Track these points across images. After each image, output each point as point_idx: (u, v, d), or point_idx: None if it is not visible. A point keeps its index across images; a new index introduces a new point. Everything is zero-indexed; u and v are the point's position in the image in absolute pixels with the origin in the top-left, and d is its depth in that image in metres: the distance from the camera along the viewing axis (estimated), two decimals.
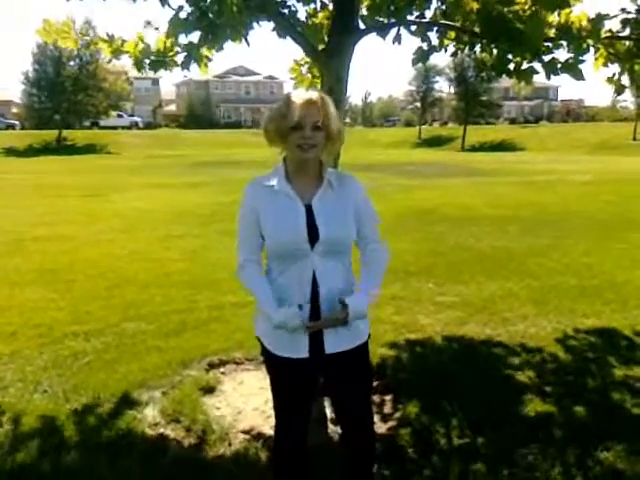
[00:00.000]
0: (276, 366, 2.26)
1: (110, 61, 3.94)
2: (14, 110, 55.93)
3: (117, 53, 3.81)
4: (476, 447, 3.09)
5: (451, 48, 4.17)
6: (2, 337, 4.81)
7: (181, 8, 3.40)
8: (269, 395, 3.68)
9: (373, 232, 2.25)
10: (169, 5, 3.33)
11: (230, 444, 3.17)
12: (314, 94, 2.08)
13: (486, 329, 4.95)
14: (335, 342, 2.17)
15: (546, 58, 3.63)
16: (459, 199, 13.68)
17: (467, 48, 4.04)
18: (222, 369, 4.17)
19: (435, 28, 4.06)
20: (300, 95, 2.08)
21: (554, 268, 7.08)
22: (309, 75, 4.51)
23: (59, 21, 3.74)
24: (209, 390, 3.82)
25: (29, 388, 3.88)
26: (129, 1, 3.51)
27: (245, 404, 3.64)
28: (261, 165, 22.61)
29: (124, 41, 3.78)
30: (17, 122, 50.92)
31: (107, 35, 3.76)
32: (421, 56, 4.04)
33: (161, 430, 3.31)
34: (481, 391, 3.73)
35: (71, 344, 4.66)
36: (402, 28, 3.94)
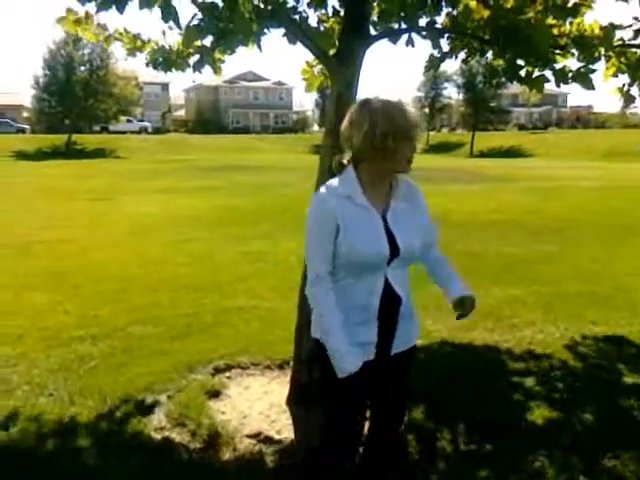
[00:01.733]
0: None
1: (126, 58, 3.94)
2: (25, 114, 56.33)
3: (133, 50, 3.82)
4: (483, 453, 3.07)
5: (462, 55, 4.17)
6: (10, 340, 4.83)
7: (195, 16, 3.42)
8: (274, 400, 3.73)
9: (435, 239, 2.32)
10: (177, 24, 3.33)
11: (235, 449, 3.16)
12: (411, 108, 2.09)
13: (493, 335, 4.92)
14: (400, 342, 2.22)
15: (557, 66, 3.63)
16: (467, 205, 13.65)
17: (478, 55, 4.03)
18: (228, 373, 4.17)
19: (446, 35, 4.07)
20: (411, 112, 2.04)
21: (562, 274, 7.04)
22: (321, 75, 4.50)
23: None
24: (215, 394, 3.81)
25: (35, 391, 3.89)
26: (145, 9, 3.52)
27: (250, 409, 3.63)
28: (269, 170, 22.65)
29: (143, 42, 3.79)
30: (27, 126, 51.30)
31: (125, 30, 3.77)
32: (433, 63, 4.05)
33: (167, 434, 3.31)
34: (488, 397, 3.71)
35: (78, 347, 4.67)
36: (414, 33, 3.95)
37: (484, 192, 16.65)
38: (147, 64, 3.85)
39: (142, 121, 57.79)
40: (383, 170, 2.08)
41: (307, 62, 4.67)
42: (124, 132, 50.69)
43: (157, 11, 3.15)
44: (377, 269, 2.09)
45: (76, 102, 43.81)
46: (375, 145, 1.98)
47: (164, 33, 3.74)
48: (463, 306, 2.22)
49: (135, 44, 3.79)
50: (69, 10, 3.78)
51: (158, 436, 3.29)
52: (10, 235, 9.68)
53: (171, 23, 3.23)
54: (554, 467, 2.94)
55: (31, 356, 4.49)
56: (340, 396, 2.21)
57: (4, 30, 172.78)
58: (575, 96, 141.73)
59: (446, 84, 58.27)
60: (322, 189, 2.11)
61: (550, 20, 3.76)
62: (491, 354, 4.54)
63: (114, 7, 3.00)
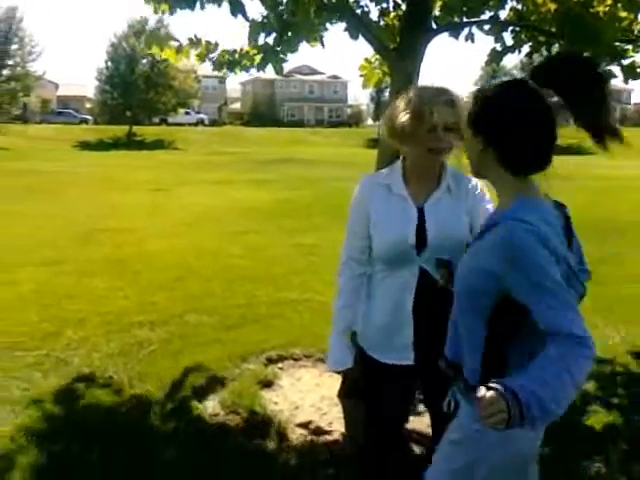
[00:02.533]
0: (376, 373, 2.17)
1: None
2: (88, 105, 58.24)
3: (204, 56, 3.92)
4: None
5: (525, 49, 4.08)
6: (72, 323, 5.02)
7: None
8: (325, 392, 3.75)
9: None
10: (244, 16, 3.38)
11: (287, 438, 3.21)
12: (447, 91, 1.98)
13: None
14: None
15: (625, 62, 3.51)
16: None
17: (543, 49, 3.93)
18: (280, 364, 4.22)
19: (510, 28, 3.99)
20: (433, 92, 1.97)
21: (622, 277, 6.81)
22: (379, 71, 4.49)
23: (160, 32, 3.87)
24: (267, 384, 3.87)
25: (96, 374, 4.03)
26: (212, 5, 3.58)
27: (302, 400, 3.67)
28: (322, 163, 22.63)
29: (209, 44, 3.87)
30: (90, 117, 52.96)
31: (195, 39, 3.85)
32: (495, 56, 3.97)
33: (221, 420, 3.38)
34: None
35: (137, 333, 4.81)
36: (475, 27, 3.89)
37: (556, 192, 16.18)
38: (214, 67, 3.93)
39: (199, 113, 58.78)
40: (418, 158, 2.04)
41: (366, 59, 4.66)
42: (182, 124, 51.67)
43: (225, 7, 3.21)
44: (407, 261, 2.00)
45: (137, 94, 44.96)
46: (392, 128, 2.01)
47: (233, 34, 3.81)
48: None
49: (206, 50, 3.87)
50: (152, 33, 3.91)
51: (213, 422, 3.37)
52: (73, 223, 10.04)
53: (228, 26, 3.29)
54: (610, 473, 2.86)
55: (92, 340, 4.66)
56: (372, 394, 2.21)
57: (71, 22, 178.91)
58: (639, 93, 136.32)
59: (504, 79, 57.00)
60: (366, 176, 2.17)
61: (620, 13, 3.64)
62: None
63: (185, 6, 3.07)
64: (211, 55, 3.94)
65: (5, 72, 38.37)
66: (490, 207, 2.04)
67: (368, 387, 2.22)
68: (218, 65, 3.93)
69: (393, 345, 2.07)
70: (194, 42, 3.90)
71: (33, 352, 4.38)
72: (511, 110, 1.50)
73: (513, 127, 1.50)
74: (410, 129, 1.95)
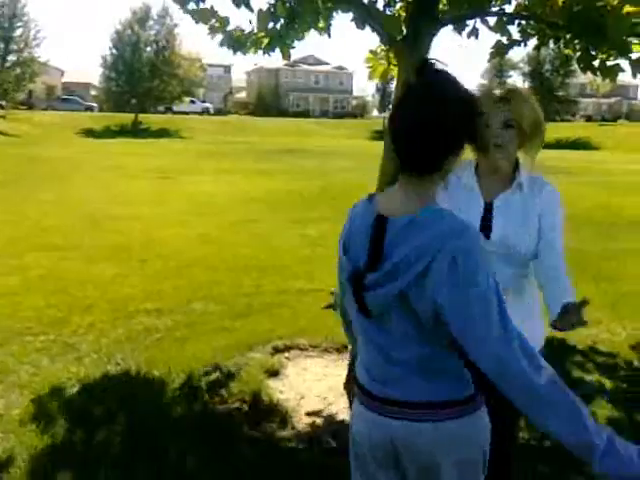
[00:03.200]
0: None
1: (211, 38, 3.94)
2: (93, 93, 58.14)
3: (215, 30, 3.88)
4: (543, 449, 3.04)
5: (532, 42, 4.07)
6: (79, 310, 5.06)
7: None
8: (331, 383, 3.78)
9: (552, 241, 1.98)
10: (247, 7, 3.39)
11: (293, 427, 3.24)
12: (510, 87, 1.98)
13: (556, 331, 4.82)
14: None
15: (634, 56, 3.50)
16: None
17: (551, 42, 3.92)
18: (286, 354, 4.26)
19: (516, 21, 3.97)
20: (488, 90, 1.99)
21: (631, 273, 6.81)
22: (384, 63, 4.48)
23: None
24: (273, 373, 3.91)
25: (103, 359, 4.08)
26: None
27: (308, 390, 3.70)
28: (328, 154, 22.52)
29: (222, 18, 3.83)
30: (95, 104, 52.89)
31: (211, 9, 3.81)
32: (500, 50, 3.96)
33: (228, 407, 3.42)
34: None
35: (143, 320, 4.85)
36: (479, 22, 3.88)
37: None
38: (221, 44, 3.92)
39: (204, 102, 58.68)
40: (479, 154, 2.03)
41: (371, 50, 4.65)
42: (187, 113, 51.60)
43: None
44: None
45: (142, 82, 44.85)
46: None
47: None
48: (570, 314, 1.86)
49: (220, 24, 3.85)
50: None
51: (219, 410, 3.40)
52: (80, 210, 10.08)
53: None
54: None
55: (99, 326, 4.70)
56: None
57: (77, 9, 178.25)
58: None
59: (511, 72, 56.75)
60: None
61: (628, 7, 3.62)
62: (552, 349, 4.46)
63: None
64: (219, 32, 3.90)
65: (10, 57, 38.30)
66: (559, 219, 2.01)
67: None
68: (226, 41, 3.91)
69: None
70: (210, 12, 3.85)
71: (41, 337, 4.43)
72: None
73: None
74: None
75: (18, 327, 4.59)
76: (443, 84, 1.42)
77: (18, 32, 39.03)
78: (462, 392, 1.47)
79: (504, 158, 1.98)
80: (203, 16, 3.77)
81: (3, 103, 38.94)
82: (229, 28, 3.88)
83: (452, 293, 1.31)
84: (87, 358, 4.11)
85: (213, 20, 3.79)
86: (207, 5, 3.73)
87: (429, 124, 1.36)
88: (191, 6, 3.67)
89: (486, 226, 1.98)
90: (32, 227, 8.53)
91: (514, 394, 1.30)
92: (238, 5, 3.50)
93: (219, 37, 3.91)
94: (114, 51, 46.42)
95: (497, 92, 1.97)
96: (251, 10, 3.62)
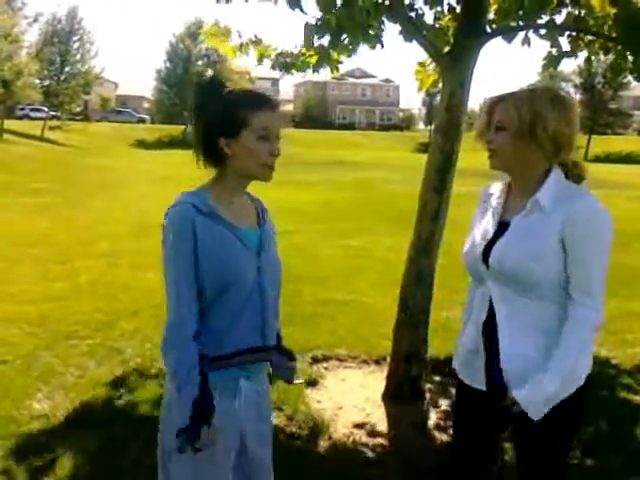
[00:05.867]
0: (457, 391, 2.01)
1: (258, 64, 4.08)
2: (145, 105, 59.76)
3: (263, 57, 3.98)
4: (584, 469, 2.95)
5: (583, 54, 4.00)
6: (125, 315, 5.18)
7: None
8: (370, 394, 3.76)
9: (580, 282, 1.67)
10: (301, 10, 3.44)
11: (330, 437, 3.23)
12: (513, 92, 1.77)
13: (602, 350, 4.68)
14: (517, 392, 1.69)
15: None
16: None
17: (602, 54, 3.85)
18: (325, 364, 4.26)
19: (567, 33, 3.92)
20: (495, 95, 1.82)
21: None
22: (434, 75, 4.47)
23: (220, 26, 3.92)
24: (312, 383, 3.91)
25: (146, 364, 4.15)
26: (270, 2, 3.63)
27: (346, 400, 3.69)
28: (372, 167, 22.55)
29: (268, 45, 3.94)
30: (147, 116, 54.30)
31: (255, 38, 3.92)
32: (551, 61, 3.91)
33: None
34: (593, 412, 3.54)
35: None
36: (531, 31, 3.84)
37: (601, 199, 15.54)
38: (272, 67, 4.00)
39: None
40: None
41: (419, 63, 4.65)
42: None
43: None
44: (480, 280, 1.82)
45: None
46: None
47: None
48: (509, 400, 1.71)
49: (265, 51, 3.94)
50: (213, 25, 3.98)
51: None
52: (129, 218, 10.35)
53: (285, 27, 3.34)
54: None
55: (144, 331, 4.79)
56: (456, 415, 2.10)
57: (132, 23, 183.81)
58: None
59: (562, 84, 55.67)
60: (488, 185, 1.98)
61: None
62: (598, 368, 4.32)
63: None
64: (269, 56, 3.99)
65: (66, 69, 39.73)
66: (594, 237, 1.68)
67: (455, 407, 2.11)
68: (276, 66, 3.98)
69: (471, 365, 1.87)
70: (254, 41, 3.95)
71: (87, 341, 4.55)
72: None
73: None
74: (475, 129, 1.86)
75: (66, 330, 4.73)
76: None
77: (75, 46, 40.47)
78: None
79: (500, 167, 1.79)
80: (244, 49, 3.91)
81: (59, 114, 40.36)
82: (276, 52, 3.97)
83: None
84: (132, 362, 4.19)
85: (255, 51, 3.90)
86: (251, 35, 3.84)
87: None
88: (235, 40, 3.80)
89: (489, 249, 1.78)
90: (82, 234, 8.80)
91: None
92: (293, 7, 3.54)
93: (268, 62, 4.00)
94: (168, 64, 47.65)
95: (497, 95, 1.81)
96: (304, 12, 3.65)
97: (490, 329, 1.77)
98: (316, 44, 3.80)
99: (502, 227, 1.78)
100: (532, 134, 1.68)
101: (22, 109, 44.89)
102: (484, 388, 1.82)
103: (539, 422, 1.66)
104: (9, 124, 32.74)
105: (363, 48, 3.94)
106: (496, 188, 1.91)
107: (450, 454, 2.12)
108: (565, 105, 1.72)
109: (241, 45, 3.94)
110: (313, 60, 3.93)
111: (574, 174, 1.82)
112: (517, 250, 1.70)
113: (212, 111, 1.66)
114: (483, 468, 1.97)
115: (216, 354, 1.65)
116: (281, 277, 1.87)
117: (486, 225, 1.84)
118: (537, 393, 1.64)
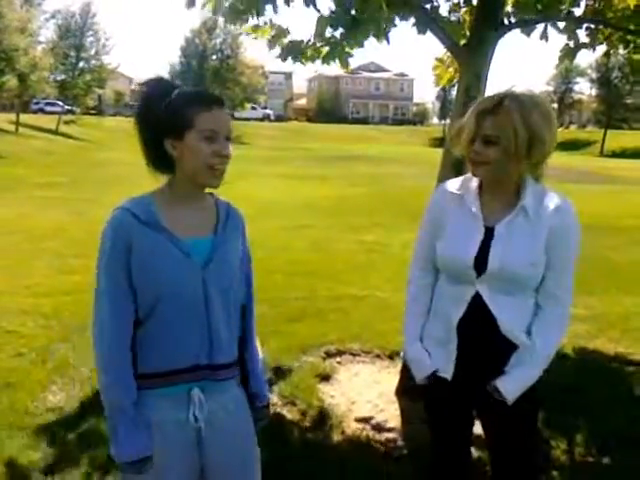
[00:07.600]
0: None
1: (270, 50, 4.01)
2: None
3: (274, 41, 3.92)
4: (601, 465, 2.93)
5: (601, 48, 3.94)
6: None
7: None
8: (383, 389, 3.75)
9: (559, 282, 1.84)
10: (314, 6, 3.42)
11: (343, 432, 3.23)
12: (496, 99, 1.74)
13: (618, 346, 4.64)
14: (498, 384, 1.84)
15: None
16: (595, 207, 12.85)
17: (621, 47, 3.79)
18: (338, 359, 4.25)
19: (585, 25, 3.86)
20: (480, 102, 1.80)
21: None
22: (452, 69, 4.43)
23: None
24: (325, 378, 3.90)
25: None
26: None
27: (359, 395, 3.68)
28: (386, 161, 22.52)
29: (282, 29, 3.89)
30: None
31: (270, 22, 3.87)
32: (568, 53, 3.86)
33: (278, 410, 3.43)
34: (610, 408, 3.52)
35: None
36: (549, 27, 3.79)
37: (616, 195, 15.62)
38: (280, 55, 3.95)
39: (265, 109, 59.53)
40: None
41: (437, 58, 4.61)
42: (248, 119, 52.48)
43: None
44: (465, 280, 1.85)
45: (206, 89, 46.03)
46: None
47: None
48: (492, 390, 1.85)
49: (279, 35, 3.89)
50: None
51: (270, 412, 3.41)
52: None
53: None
54: None
55: None
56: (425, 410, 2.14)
57: (147, 19, 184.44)
58: None
59: (578, 78, 55.17)
60: (443, 183, 2.01)
61: None
62: (615, 364, 4.29)
63: None
64: (282, 41, 3.94)
65: (81, 64, 39.94)
66: (573, 241, 1.83)
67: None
68: (286, 52, 3.94)
69: (439, 356, 1.95)
70: (271, 25, 3.89)
71: None
72: None
73: None
74: (457, 138, 1.86)
75: (80, 324, 4.74)
76: None
77: (89, 41, 40.66)
78: None
79: (488, 177, 1.83)
80: (261, 29, 3.85)
81: (74, 109, 40.61)
82: (287, 39, 3.92)
83: None
84: None
85: (272, 32, 3.85)
86: (266, 19, 3.79)
87: None
88: (251, 21, 3.75)
89: (484, 255, 1.80)
90: (97, 228, 8.79)
91: None
92: (307, 4, 3.51)
93: (278, 49, 3.95)
94: (182, 59, 47.82)
95: (483, 104, 1.77)
96: (318, 10, 3.63)
97: (465, 326, 1.86)
98: (327, 36, 3.77)
99: (488, 232, 1.83)
100: (529, 155, 1.74)
101: (37, 103, 45.26)
102: (449, 378, 1.92)
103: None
104: (24, 118, 33.00)
105: (373, 42, 3.90)
106: (464, 189, 1.90)
107: (430, 452, 2.20)
108: (552, 121, 1.77)
109: (257, 26, 3.87)
110: (324, 51, 3.89)
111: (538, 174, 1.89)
112: (518, 256, 1.78)
113: (159, 112, 1.59)
114: (464, 460, 2.12)
115: (153, 370, 1.59)
116: (246, 288, 1.83)
117: (469, 229, 1.85)
118: (518, 386, 1.84)
